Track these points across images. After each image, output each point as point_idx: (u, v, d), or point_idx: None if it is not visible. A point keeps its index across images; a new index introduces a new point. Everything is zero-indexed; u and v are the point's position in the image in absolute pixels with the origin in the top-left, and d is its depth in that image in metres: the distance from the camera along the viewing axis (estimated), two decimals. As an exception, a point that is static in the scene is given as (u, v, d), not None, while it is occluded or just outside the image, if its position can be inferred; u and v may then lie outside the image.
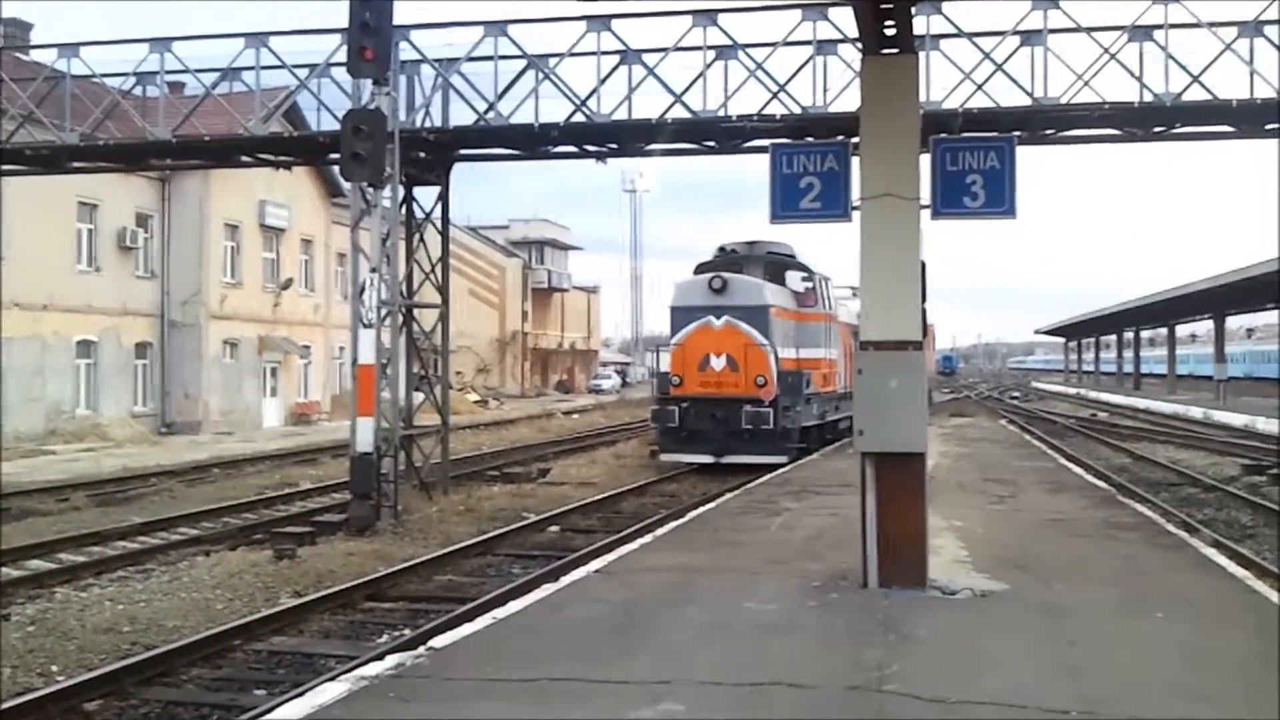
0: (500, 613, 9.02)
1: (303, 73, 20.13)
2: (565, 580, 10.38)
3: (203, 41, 21.06)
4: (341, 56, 18.35)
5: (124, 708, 8.98)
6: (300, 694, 6.87)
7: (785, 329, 25.26)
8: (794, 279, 27.12)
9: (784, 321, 25.36)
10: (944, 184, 9.83)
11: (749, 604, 9.07)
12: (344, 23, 17.19)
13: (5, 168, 23.76)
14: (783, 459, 23.05)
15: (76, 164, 23.37)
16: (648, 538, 12.90)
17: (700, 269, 26.75)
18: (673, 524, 14.06)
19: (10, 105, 21.74)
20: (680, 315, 24.96)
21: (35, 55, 27.19)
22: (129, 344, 38.76)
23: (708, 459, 23.92)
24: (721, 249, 27.73)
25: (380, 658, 7.61)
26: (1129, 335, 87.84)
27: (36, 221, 33.51)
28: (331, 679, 7.33)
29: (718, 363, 24.08)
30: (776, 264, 27.22)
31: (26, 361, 33.91)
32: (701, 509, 15.45)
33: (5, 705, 8.57)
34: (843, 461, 21.18)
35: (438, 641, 7.99)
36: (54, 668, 9.98)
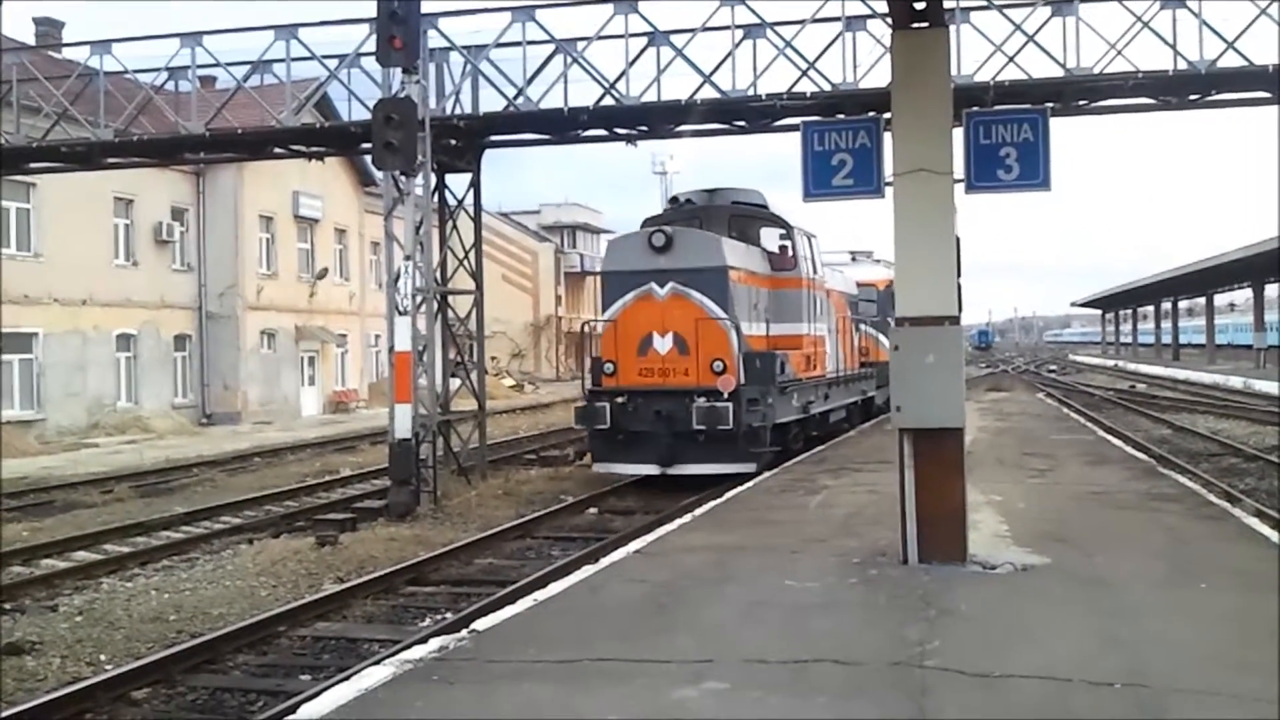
0: (541, 595, 9.07)
1: (333, 63, 20.24)
2: (605, 562, 10.42)
3: (233, 35, 21.19)
4: (371, 46, 18.45)
5: (172, 695, 9.10)
6: (346, 678, 6.96)
7: (753, 298, 19.87)
8: (769, 237, 21.58)
9: (751, 289, 19.85)
10: (977, 157, 9.78)
11: (789, 582, 9.08)
12: (372, 13, 17.26)
13: (41, 165, 24.02)
14: (750, 467, 17.89)
15: (111, 160, 23.56)
16: (686, 518, 12.92)
17: (647, 224, 20.56)
18: (711, 503, 14.07)
19: (44, 103, 21.94)
20: (613, 282, 19.25)
21: (68, 53, 27.47)
22: (168, 337, 39.08)
23: (652, 469, 18.59)
24: (674, 199, 22.23)
25: (424, 641, 7.68)
26: (1166, 306, 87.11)
27: (74, 218, 33.82)
28: (376, 663, 7.41)
29: (662, 344, 18.55)
30: (744, 218, 21.53)
31: (67, 356, 34.26)
32: (739, 488, 15.45)
33: (57, 694, 8.71)
34: (880, 438, 21.11)
35: (480, 624, 8.04)
36: (102, 656, 10.12)
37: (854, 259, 32.82)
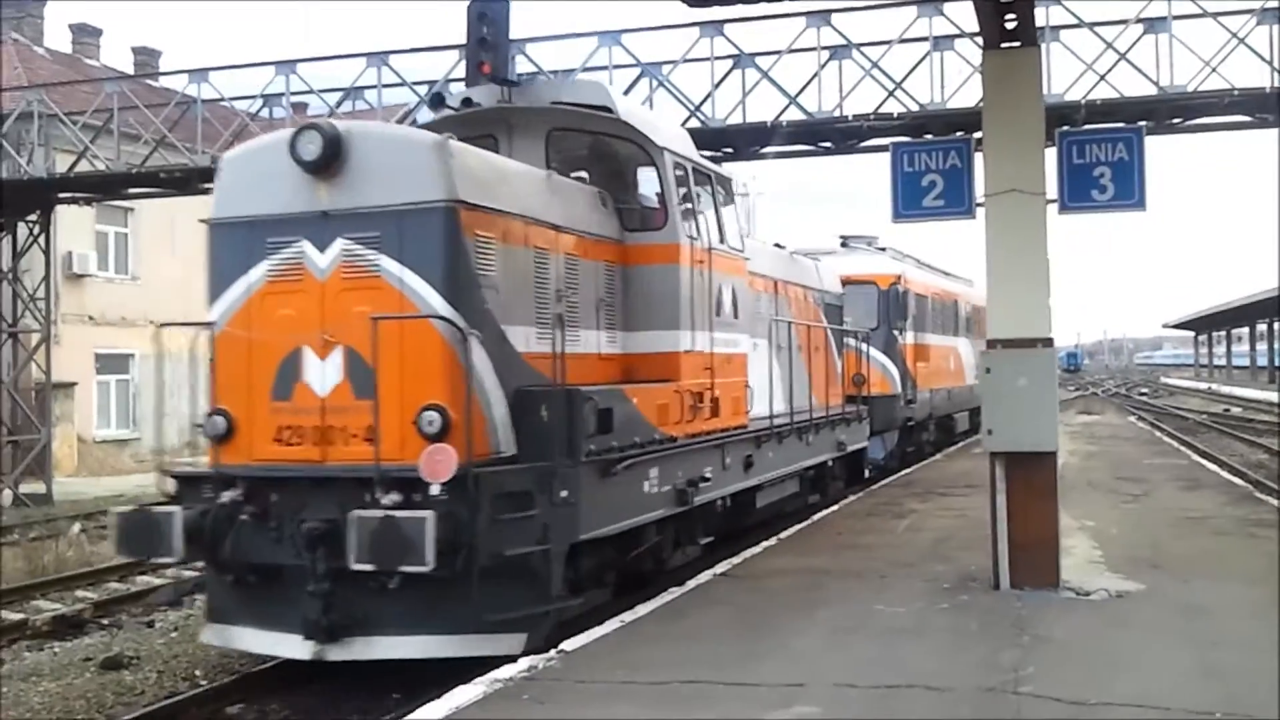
0: (628, 616, 9.07)
1: (423, 90, 20.50)
2: (690, 584, 10.38)
3: (326, 63, 21.60)
4: (460, 72, 18.65)
5: (265, 711, 9.21)
6: (438, 695, 7.01)
7: (548, 278, 9.89)
8: (649, 178, 11.50)
9: (541, 257, 9.84)
10: (1071, 177, 9.69)
11: (879, 606, 9.02)
12: (462, 40, 17.48)
13: (139, 191, 24.63)
14: (499, 646, 8.27)
15: (207, 185, 24.05)
16: (771, 540, 12.86)
17: None
18: (796, 526, 13.99)
19: (143, 130, 22.50)
20: (225, 244, 9.43)
21: (166, 81, 28.18)
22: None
23: (294, 648, 8.61)
24: (437, 99, 12.43)
25: (513, 660, 7.72)
26: (1262, 327, 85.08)
27: (170, 242, 34.61)
28: (467, 682, 7.45)
29: (321, 372, 8.84)
30: (586, 135, 11.72)
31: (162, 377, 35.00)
32: (824, 512, 15.34)
33: (153, 707, 8.90)
34: (967, 462, 20.88)
35: (568, 645, 8.07)
36: (197, 672, 10.28)
37: (846, 244, 23.77)
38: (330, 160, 8.81)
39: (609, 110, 11.42)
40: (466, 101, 11.70)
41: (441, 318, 8.51)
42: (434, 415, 8.34)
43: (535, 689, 6.99)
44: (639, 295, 11.10)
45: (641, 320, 11.09)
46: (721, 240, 12.27)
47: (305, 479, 8.74)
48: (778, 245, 16.95)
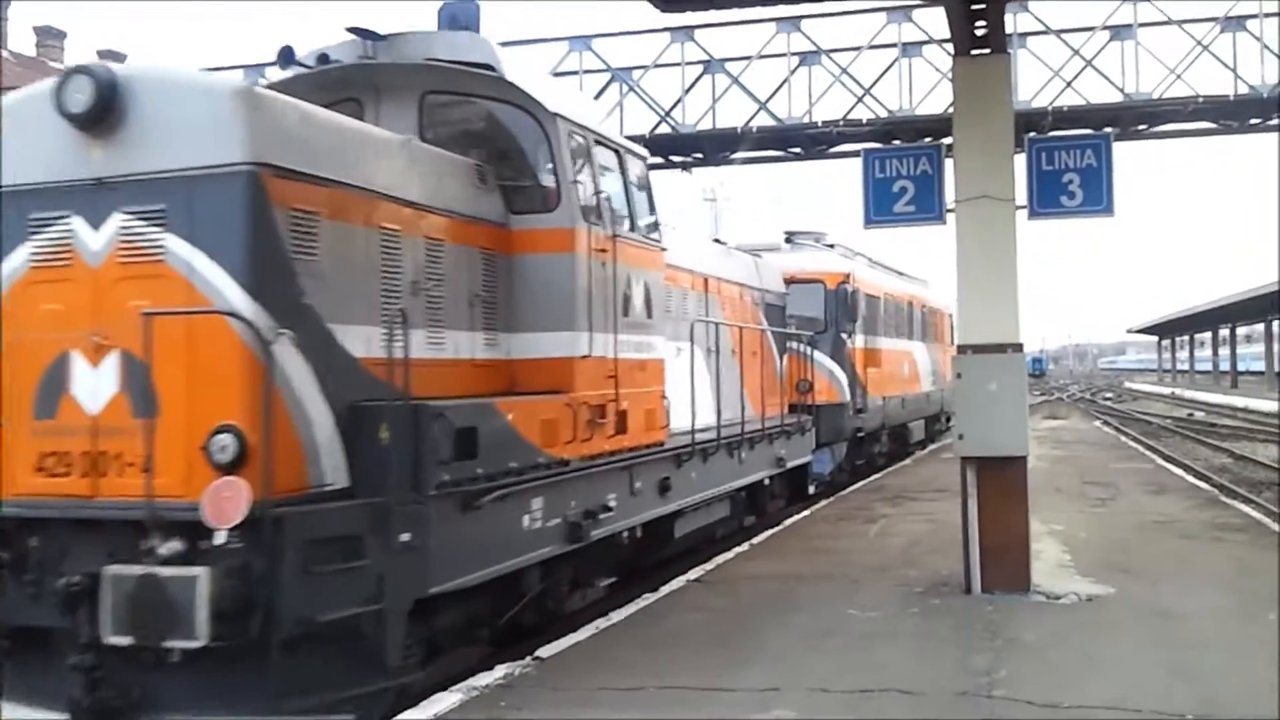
0: (602, 623, 9.07)
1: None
2: (665, 590, 10.39)
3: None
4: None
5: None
6: (415, 704, 7.00)
7: (399, 266, 7.86)
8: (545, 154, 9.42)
9: (387, 239, 7.79)
10: (1040, 184, 9.82)
11: (852, 610, 9.05)
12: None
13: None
14: None
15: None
16: (744, 545, 12.89)
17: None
18: (768, 532, 14.02)
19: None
20: None
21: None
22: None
23: None
24: (287, 54, 9.18)
25: (490, 668, 7.72)
26: (1224, 332, 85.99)
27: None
28: (444, 689, 7.44)
29: (92, 384, 6.86)
30: (468, 102, 9.75)
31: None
32: (795, 517, 15.40)
33: None
34: (937, 466, 21.01)
35: (544, 651, 8.07)
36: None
37: (791, 240, 21.99)
38: (105, 113, 6.88)
39: (491, 69, 9.40)
40: (323, 58, 9.55)
41: (236, 314, 6.56)
42: (226, 439, 6.45)
43: (512, 696, 6.98)
44: (525, 290, 9.24)
45: (528, 320, 9.22)
46: (631, 227, 10.45)
47: (69, 520, 6.81)
48: (717, 241, 16.24)
